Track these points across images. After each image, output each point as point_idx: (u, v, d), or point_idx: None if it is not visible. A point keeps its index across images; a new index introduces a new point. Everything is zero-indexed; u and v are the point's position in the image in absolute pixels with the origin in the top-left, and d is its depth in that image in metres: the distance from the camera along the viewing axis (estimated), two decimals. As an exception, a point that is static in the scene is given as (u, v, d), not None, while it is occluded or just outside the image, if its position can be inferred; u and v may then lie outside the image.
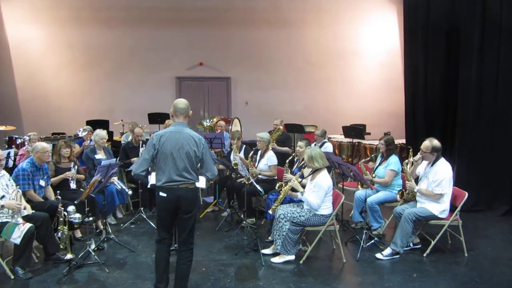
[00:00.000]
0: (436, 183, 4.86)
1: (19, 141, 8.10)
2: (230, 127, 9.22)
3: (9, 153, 6.34)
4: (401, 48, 10.82)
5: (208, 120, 9.33)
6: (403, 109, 9.27)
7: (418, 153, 5.18)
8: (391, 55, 12.14)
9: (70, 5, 11.52)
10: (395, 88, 11.29)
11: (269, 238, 5.33)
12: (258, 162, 6.32)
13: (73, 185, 5.42)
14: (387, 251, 4.92)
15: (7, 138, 8.56)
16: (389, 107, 11.83)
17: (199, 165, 3.85)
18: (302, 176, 5.23)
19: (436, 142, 4.99)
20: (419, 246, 5.16)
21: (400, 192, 5.27)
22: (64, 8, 11.50)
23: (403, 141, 9.29)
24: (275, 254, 4.88)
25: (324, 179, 4.74)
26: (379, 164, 5.90)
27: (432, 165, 5.02)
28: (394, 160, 5.70)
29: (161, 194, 3.70)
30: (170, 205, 3.71)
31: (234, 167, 5.69)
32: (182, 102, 3.83)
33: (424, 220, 4.96)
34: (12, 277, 4.32)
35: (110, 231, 5.58)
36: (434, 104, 8.20)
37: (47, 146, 5.20)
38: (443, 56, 7.93)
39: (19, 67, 11.65)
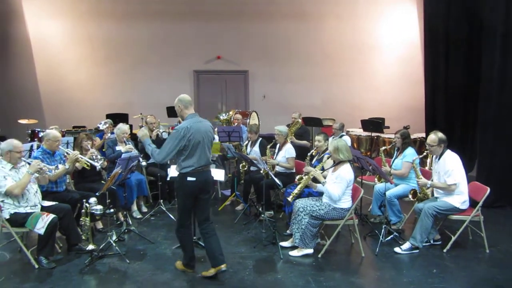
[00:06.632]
0: (447, 174, 4.81)
1: (41, 134, 8.25)
2: (248, 120, 9.23)
3: (32, 146, 6.46)
4: (421, 41, 10.66)
5: (224, 114, 9.35)
6: (422, 103, 9.14)
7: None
8: (410, 48, 11.96)
9: (90, -1, 11.67)
10: (415, 81, 11.14)
11: (288, 231, 5.35)
12: (276, 155, 6.34)
13: (97, 165, 5.37)
14: (406, 245, 4.88)
15: (29, 131, 8.73)
16: (408, 100, 11.67)
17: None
18: (322, 169, 5.21)
19: (441, 134, 4.98)
20: (440, 242, 5.09)
21: (412, 192, 5.20)
22: (83, 2, 11.65)
23: (423, 135, 9.18)
24: (293, 248, 4.89)
25: (347, 171, 4.73)
26: (396, 157, 5.85)
27: (439, 159, 4.97)
28: (410, 151, 5.65)
29: (190, 179, 4.04)
30: (197, 189, 4.09)
31: (253, 161, 5.71)
32: (186, 95, 4.23)
33: (445, 213, 4.88)
34: (36, 266, 4.43)
35: (131, 223, 5.67)
36: (455, 97, 8.08)
37: (59, 135, 5.22)
38: (465, 49, 7.79)
39: (40, 61, 11.86)
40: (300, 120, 8.22)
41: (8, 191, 4.39)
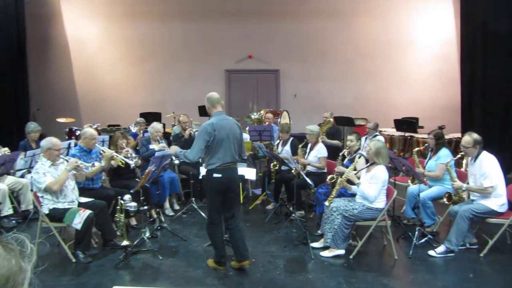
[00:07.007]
0: (484, 176, 4.66)
1: (78, 132, 8.51)
2: (279, 119, 9.24)
3: (69, 144, 6.68)
4: (457, 38, 10.35)
5: (255, 113, 9.38)
6: (458, 102, 8.92)
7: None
8: (446, 45, 11.62)
9: (125, 0, 11.92)
10: (450, 80, 10.85)
11: (319, 231, 5.31)
12: (308, 154, 6.31)
13: (132, 163, 5.55)
14: (441, 248, 4.76)
15: (67, 129, 9.01)
16: (444, 99, 11.35)
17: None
18: (354, 170, 5.15)
19: (476, 135, 4.80)
20: (476, 246, 4.94)
21: (447, 195, 5.06)
22: (119, 4, 11.92)
23: (459, 135, 8.94)
24: (324, 248, 4.86)
25: (382, 171, 4.68)
26: (429, 158, 5.71)
27: (474, 160, 4.82)
28: (444, 153, 5.48)
29: (216, 175, 4.13)
30: (223, 185, 4.17)
31: (284, 160, 5.71)
32: (215, 93, 4.37)
33: (482, 217, 4.73)
34: (74, 260, 4.58)
35: (163, 220, 5.77)
36: (493, 96, 7.83)
37: (95, 134, 5.42)
38: (504, 47, 7.53)
39: (77, 62, 12.22)
40: (331, 120, 8.16)
41: (48, 187, 4.56)
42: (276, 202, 6.44)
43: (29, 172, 5.69)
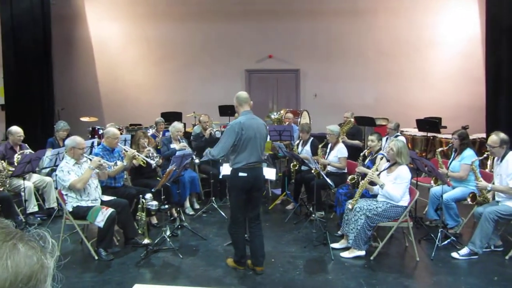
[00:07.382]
0: (510, 177, 4.56)
1: (101, 131, 8.66)
2: (299, 119, 9.20)
3: (93, 143, 6.80)
4: (482, 37, 10.11)
5: (275, 113, 9.36)
6: (482, 101, 8.72)
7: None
8: (470, 44, 11.35)
9: (147, 1, 12.06)
10: (474, 78, 10.61)
11: (339, 232, 5.28)
12: (328, 154, 6.27)
13: (153, 163, 5.63)
14: (464, 250, 4.67)
15: (90, 128, 9.18)
16: (467, 99, 11.10)
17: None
18: (376, 171, 5.10)
19: (503, 135, 4.74)
20: (501, 249, 4.82)
21: (471, 195, 4.95)
22: (141, 5, 12.06)
23: (483, 135, 8.74)
24: (345, 249, 4.82)
25: (406, 171, 4.65)
26: (453, 159, 5.61)
27: (501, 161, 4.72)
28: (469, 153, 5.37)
29: (241, 174, 4.14)
30: (248, 184, 4.18)
31: (304, 160, 5.69)
32: (244, 93, 4.42)
33: (508, 218, 4.62)
34: (96, 257, 4.66)
35: (184, 219, 5.82)
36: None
37: (118, 133, 5.54)
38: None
39: (100, 62, 12.43)
40: (352, 120, 8.09)
41: (72, 185, 4.65)
42: (296, 202, 6.43)
43: (54, 170, 5.82)
